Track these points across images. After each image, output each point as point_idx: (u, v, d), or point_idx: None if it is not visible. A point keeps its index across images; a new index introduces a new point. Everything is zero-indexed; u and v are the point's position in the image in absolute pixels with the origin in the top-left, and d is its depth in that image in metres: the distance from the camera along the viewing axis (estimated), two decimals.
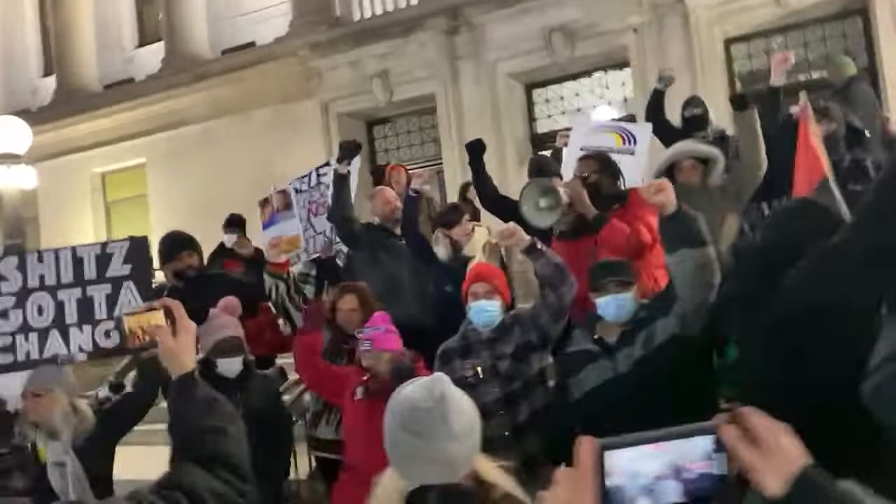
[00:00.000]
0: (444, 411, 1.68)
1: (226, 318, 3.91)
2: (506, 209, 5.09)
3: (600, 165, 4.04)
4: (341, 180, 4.91)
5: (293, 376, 5.22)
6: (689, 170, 4.06)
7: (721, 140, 5.09)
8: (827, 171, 3.44)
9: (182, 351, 1.66)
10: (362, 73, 11.16)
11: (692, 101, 5.46)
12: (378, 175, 10.68)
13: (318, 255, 5.62)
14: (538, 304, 3.29)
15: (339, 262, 5.77)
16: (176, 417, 1.65)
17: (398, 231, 5.10)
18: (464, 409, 1.74)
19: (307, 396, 4.63)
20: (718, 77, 9.25)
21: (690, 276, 2.71)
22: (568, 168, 4.67)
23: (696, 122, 5.34)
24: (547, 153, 10.09)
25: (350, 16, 11.50)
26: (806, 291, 1.85)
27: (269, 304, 5.02)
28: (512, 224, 3.20)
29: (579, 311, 3.37)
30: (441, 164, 11.07)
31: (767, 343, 1.99)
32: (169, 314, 1.69)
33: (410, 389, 1.76)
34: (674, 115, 5.57)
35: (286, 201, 5.94)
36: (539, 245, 3.16)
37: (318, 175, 6.21)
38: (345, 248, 5.76)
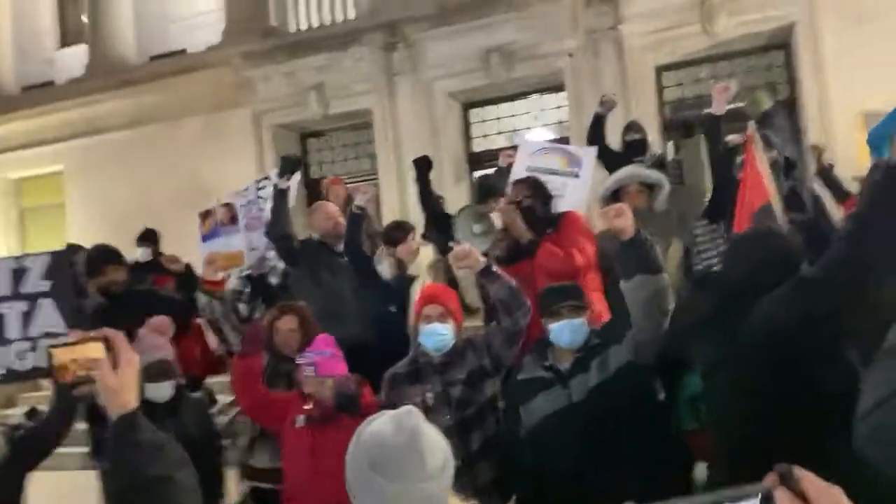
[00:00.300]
0: (418, 449, 1.57)
1: (156, 338, 3.68)
2: (449, 227, 5.05)
3: (533, 189, 4.05)
4: (281, 195, 4.76)
5: (225, 398, 4.99)
6: (636, 194, 4.10)
7: (660, 165, 5.18)
8: (770, 196, 3.52)
9: (124, 388, 1.46)
10: (297, 84, 10.95)
11: (632, 126, 5.55)
12: (312, 189, 10.48)
13: (249, 271, 5.42)
14: (492, 328, 3.21)
15: (273, 280, 5.58)
16: (116, 465, 1.45)
17: (339, 248, 4.97)
18: (438, 445, 1.63)
19: (241, 421, 4.42)
20: (650, 103, 9.47)
21: (646, 303, 2.70)
22: None
23: (636, 147, 5.43)
24: (487, 172, 10.23)
25: (286, 26, 11.28)
26: (785, 320, 1.84)
27: (201, 323, 4.79)
28: (467, 245, 3.13)
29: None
30: (376, 179, 10.94)
31: (739, 373, 1.97)
32: (109, 345, 1.51)
33: (379, 425, 1.64)
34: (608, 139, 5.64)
35: (231, 214, 5.72)
36: (494, 268, 3.10)
37: (257, 189, 6.03)
38: (279, 265, 5.58)
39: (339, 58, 10.72)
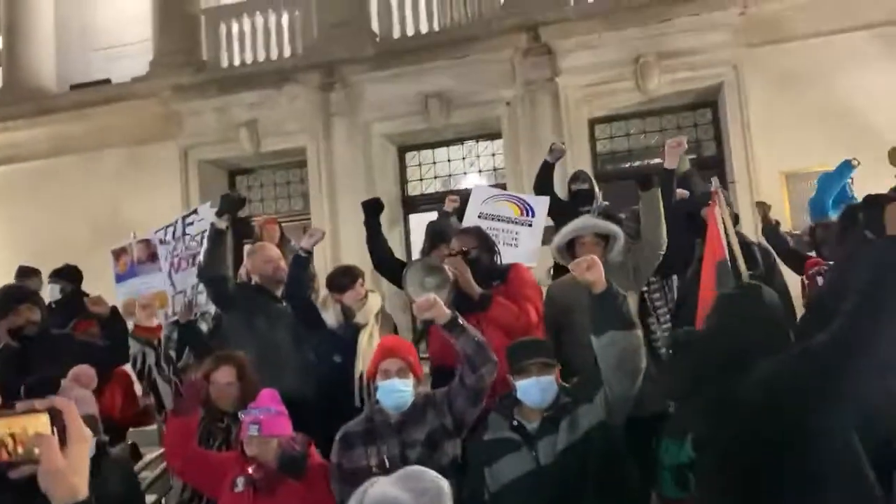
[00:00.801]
0: None
1: (79, 391, 3.33)
2: (399, 273, 4.87)
3: (479, 240, 3.96)
4: (219, 235, 4.48)
5: (150, 451, 4.61)
6: (591, 245, 4.03)
7: (607, 216, 5.19)
8: (725, 252, 3.53)
9: (74, 471, 1.21)
10: (228, 120, 10.63)
11: (579, 176, 5.57)
12: (240, 228, 10.11)
13: (176, 317, 5.05)
14: (455, 384, 3.03)
15: (203, 326, 5.23)
16: None
17: (278, 293, 4.71)
18: None
19: (172, 478, 4.06)
20: (584, 154, 9.63)
21: (618, 361, 2.60)
22: None
23: (582, 197, 5.44)
24: (424, 215, 10.12)
25: (218, 61, 10.99)
26: (789, 392, 1.77)
27: (125, 370, 4.43)
28: (432, 296, 2.96)
29: None
30: (308, 219, 10.68)
31: (737, 445, 1.87)
32: (56, 418, 1.26)
33: (385, 487, 1.41)
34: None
35: (150, 252, 5.34)
36: (461, 320, 2.94)
37: (185, 225, 5.68)
38: (210, 310, 5.25)
39: (274, 95, 10.50)
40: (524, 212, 4.79)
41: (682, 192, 4.53)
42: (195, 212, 5.78)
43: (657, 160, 9.73)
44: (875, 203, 2.77)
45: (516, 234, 4.44)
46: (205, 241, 5.30)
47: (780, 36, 8.80)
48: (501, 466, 2.74)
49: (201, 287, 5.16)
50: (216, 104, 10.62)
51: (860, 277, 1.86)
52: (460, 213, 5.80)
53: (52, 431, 1.23)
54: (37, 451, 1.22)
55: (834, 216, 5.00)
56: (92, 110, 10.94)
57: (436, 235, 4.68)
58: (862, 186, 6.00)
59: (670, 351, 2.22)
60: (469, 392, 2.96)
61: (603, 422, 2.66)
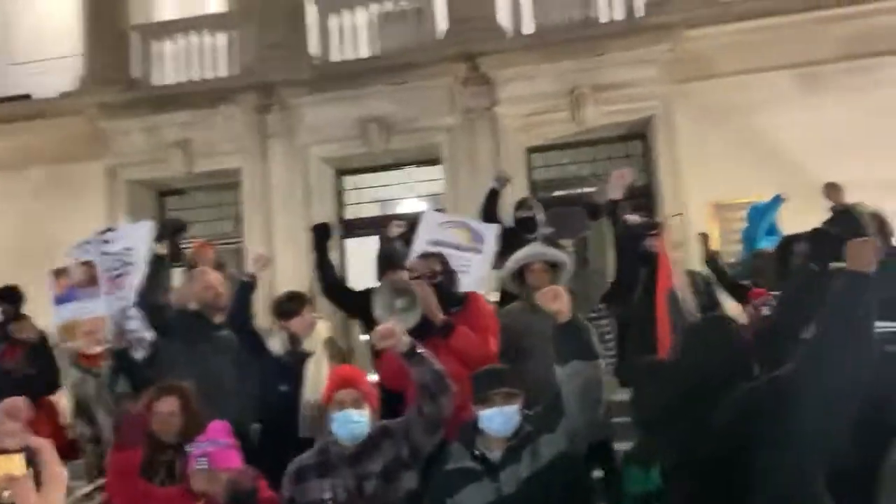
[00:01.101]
0: None
1: (9, 426, 3.11)
2: (349, 300, 4.80)
3: (442, 265, 3.96)
4: (159, 262, 4.32)
5: (79, 485, 4.34)
6: (540, 273, 4.09)
7: (552, 243, 5.26)
8: (674, 282, 3.63)
9: None
10: (159, 140, 10.34)
11: (525, 204, 5.63)
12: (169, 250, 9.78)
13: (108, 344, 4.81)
14: (412, 414, 2.98)
15: (139, 354, 5.01)
16: None
17: (218, 320, 4.56)
18: None
19: None
20: (521, 182, 9.75)
21: (581, 391, 2.62)
22: None
23: (527, 224, 5.50)
24: (363, 239, 10.04)
25: (149, 79, 10.70)
26: (759, 419, 1.81)
27: (51, 399, 4.19)
28: (391, 323, 2.92)
29: None
30: (240, 242, 10.44)
31: (709, 473, 1.90)
32: (32, 458, 1.18)
33: None
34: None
35: (91, 274, 5.07)
36: (420, 349, 2.90)
37: (102, 242, 5.40)
38: (146, 336, 5.04)
39: (208, 115, 10.29)
40: (474, 238, 4.80)
41: (633, 219, 4.63)
42: (110, 229, 5.52)
43: (590, 189, 10.02)
44: (822, 237, 2.91)
45: (467, 260, 4.45)
46: (133, 265, 5.08)
47: (708, 72, 9.20)
48: (463, 497, 2.70)
49: (131, 312, 4.95)
50: (146, 123, 10.32)
51: (821, 308, 1.95)
52: (405, 237, 5.79)
53: (28, 472, 1.15)
54: (6, 493, 1.14)
55: (765, 246, 5.22)
56: (12, 126, 10.45)
57: (386, 261, 4.63)
58: (786, 218, 6.31)
59: (638, 379, 2.25)
60: (427, 422, 2.92)
61: (565, 451, 2.66)
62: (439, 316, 3.58)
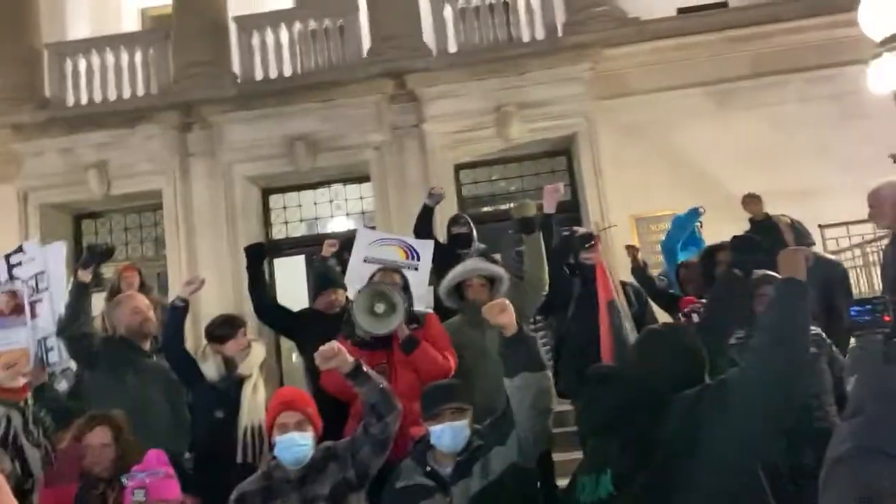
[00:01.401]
0: None
1: None
2: (284, 320, 4.71)
3: (404, 281, 3.97)
4: (83, 289, 4.13)
5: None
6: (478, 287, 4.13)
7: (486, 258, 5.32)
8: (614, 293, 3.74)
9: None
10: (74, 162, 9.94)
11: (458, 220, 5.68)
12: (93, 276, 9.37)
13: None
14: (358, 434, 2.94)
15: (63, 385, 4.76)
16: None
17: (146, 346, 4.39)
18: None
19: None
20: (450, 198, 9.80)
21: (530, 402, 2.65)
22: (352, 279, 4.50)
23: (461, 240, 5.55)
24: (288, 258, 9.88)
25: (63, 99, 10.29)
26: (709, 424, 1.88)
27: None
28: (335, 343, 2.88)
29: None
30: (163, 264, 10.12)
31: (660, 481, 1.96)
32: None
33: None
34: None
35: (16, 303, 4.77)
36: (365, 368, 2.87)
37: (10, 267, 5.11)
38: (72, 366, 4.81)
39: (126, 135, 9.98)
40: (410, 255, 4.81)
41: (581, 230, 4.72)
42: (20, 250, 5.23)
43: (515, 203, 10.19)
44: (744, 244, 3.07)
45: (407, 279, 4.42)
46: (47, 291, 4.82)
47: (627, 90, 9.55)
48: None
49: (51, 343, 4.71)
50: (61, 144, 9.92)
51: (762, 315, 2.05)
52: (338, 256, 5.74)
53: None
54: None
55: (685, 258, 5.44)
56: None
57: (322, 280, 4.57)
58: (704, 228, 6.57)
59: (589, 386, 2.30)
60: (374, 441, 2.89)
61: (515, 463, 2.69)
62: (405, 330, 3.56)
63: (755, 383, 1.92)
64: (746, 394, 1.92)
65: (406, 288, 3.88)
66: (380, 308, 3.40)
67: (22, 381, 3.24)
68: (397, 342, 3.55)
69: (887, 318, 1.72)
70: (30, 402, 3.32)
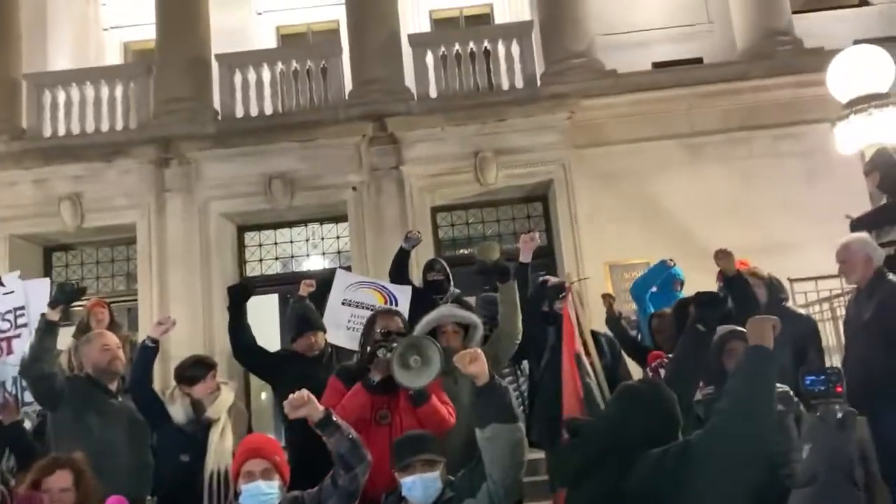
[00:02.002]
0: None
1: None
2: (263, 363, 4.64)
3: (404, 324, 3.95)
4: (51, 329, 4.04)
5: None
6: (452, 334, 4.11)
7: (460, 303, 5.33)
8: (578, 346, 3.75)
9: None
10: (47, 193, 9.84)
11: (434, 266, 5.69)
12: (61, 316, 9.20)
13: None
14: (326, 485, 2.88)
15: (27, 423, 4.64)
16: None
17: (112, 386, 4.30)
18: None
19: None
20: (427, 240, 9.84)
21: (502, 454, 2.64)
22: (331, 321, 4.47)
23: (437, 286, 5.57)
24: (264, 297, 9.78)
25: (40, 130, 10.22)
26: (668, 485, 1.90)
27: None
28: (305, 392, 2.85)
29: None
30: (134, 300, 9.97)
31: None
32: None
33: None
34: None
35: None
36: (335, 418, 2.84)
37: None
38: (33, 406, 4.69)
39: (102, 169, 9.92)
40: (388, 300, 4.80)
41: (553, 280, 4.76)
42: (0, 283, 5.14)
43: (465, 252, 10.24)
44: (707, 301, 3.11)
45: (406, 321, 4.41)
46: (27, 327, 4.76)
47: (603, 140, 9.74)
48: None
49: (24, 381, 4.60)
50: (35, 175, 9.85)
51: (730, 380, 2.09)
52: (313, 297, 5.71)
53: None
54: None
55: (655, 308, 5.51)
56: None
57: (302, 322, 4.54)
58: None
59: (566, 437, 2.30)
60: (341, 493, 2.82)
61: None
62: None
63: (719, 447, 1.94)
64: (711, 456, 1.94)
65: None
66: (415, 362, 3.30)
67: None
68: (402, 390, 3.46)
69: (839, 389, 1.77)
70: None
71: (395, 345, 3.35)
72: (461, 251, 10.45)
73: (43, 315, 4.09)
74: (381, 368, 3.43)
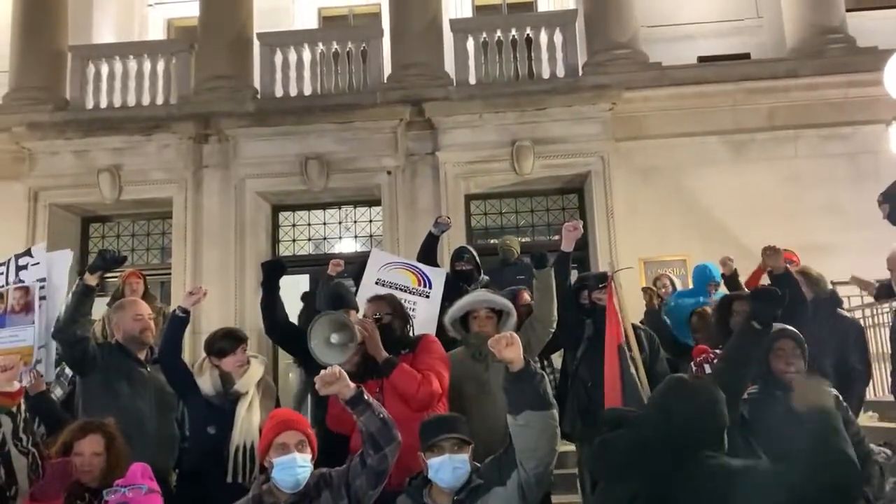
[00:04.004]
0: None
1: None
2: (296, 341, 4.62)
3: (392, 308, 3.88)
4: (88, 292, 4.06)
5: None
6: (485, 319, 4.06)
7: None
8: (622, 337, 3.66)
9: None
10: (88, 164, 9.95)
11: (462, 256, 5.59)
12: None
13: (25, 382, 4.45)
14: (354, 464, 2.84)
15: (57, 392, 4.68)
16: None
17: (142, 356, 4.31)
18: None
19: None
20: (460, 228, 9.80)
21: (534, 442, 2.57)
22: (364, 299, 4.43)
23: (466, 274, 5.49)
24: (295, 277, 9.80)
25: (83, 102, 10.34)
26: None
27: None
28: (337, 368, 2.80)
29: None
30: (168, 273, 10.07)
31: None
32: None
33: None
34: None
35: (27, 300, 4.70)
36: (366, 396, 2.79)
37: (17, 268, 5.06)
38: (66, 373, 4.74)
39: (142, 142, 10.01)
40: (422, 282, 4.75)
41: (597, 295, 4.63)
42: (29, 253, 5.19)
43: (526, 239, 10.17)
44: (766, 297, 2.99)
45: (414, 303, 4.38)
46: (46, 300, 4.75)
47: (643, 133, 9.57)
48: None
49: (39, 354, 4.62)
50: (76, 146, 9.95)
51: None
52: (342, 275, 5.68)
53: None
54: None
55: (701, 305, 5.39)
56: None
57: (334, 300, 4.51)
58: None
59: (605, 428, 2.22)
60: (370, 473, 2.78)
61: None
62: (382, 354, 3.49)
63: (781, 483, 1.86)
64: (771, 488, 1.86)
65: (402, 314, 3.81)
66: (335, 338, 3.32)
67: (17, 386, 3.16)
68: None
69: None
70: (22, 407, 3.22)
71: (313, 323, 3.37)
72: (493, 240, 10.37)
73: (81, 278, 4.11)
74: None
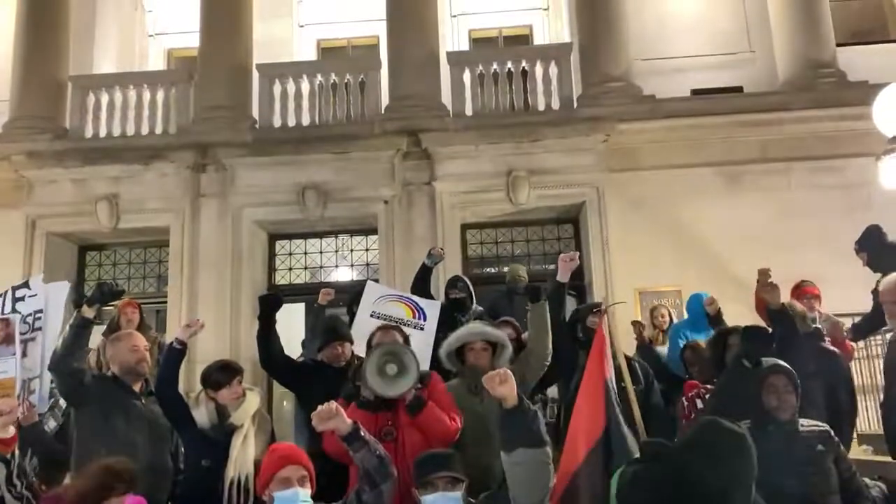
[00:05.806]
0: None
1: None
2: (291, 373, 4.64)
3: (404, 339, 3.93)
4: (86, 325, 4.08)
5: None
6: (480, 352, 4.08)
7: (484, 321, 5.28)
8: (609, 372, 3.65)
9: None
10: (86, 193, 10.00)
11: (455, 284, 5.64)
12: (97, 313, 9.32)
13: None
14: (350, 500, 2.85)
15: (50, 425, 4.67)
16: None
17: (136, 388, 4.31)
18: None
19: None
20: (456, 257, 9.85)
21: (527, 478, 2.58)
22: (359, 333, 4.45)
23: (459, 304, 5.52)
24: (291, 306, 9.81)
25: (82, 131, 10.42)
26: None
27: None
28: (334, 404, 2.82)
29: None
30: (164, 302, 10.07)
31: None
32: None
33: None
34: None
35: (7, 332, 4.72)
36: (363, 432, 2.81)
37: (14, 301, 5.08)
38: (62, 402, 4.73)
39: (140, 171, 10.07)
40: (416, 314, 4.78)
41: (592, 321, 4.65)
42: (27, 285, 5.21)
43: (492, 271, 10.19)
44: (756, 337, 3.01)
45: (410, 336, 4.39)
46: (41, 332, 4.76)
47: (637, 164, 9.67)
48: None
49: (34, 385, 4.62)
50: (74, 174, 10.02)
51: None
52: (336, 304, 5.71)
53: None
54: None
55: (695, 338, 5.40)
56: None
57: (330, 332, 4.53)
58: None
59: (636, 461, 2.20)
60: None
61: None
62: (411, 392, 3.48)
63: None
64: None
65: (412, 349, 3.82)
66: (391, 369, 3.30)
67: (12, 432, 3.14)
68: (402, 403, 3.46)
69: None
70: (16, 453, 3.20)
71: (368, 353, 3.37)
72: (489, 269, 10.42)
73: (79, 311, 4.13)
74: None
